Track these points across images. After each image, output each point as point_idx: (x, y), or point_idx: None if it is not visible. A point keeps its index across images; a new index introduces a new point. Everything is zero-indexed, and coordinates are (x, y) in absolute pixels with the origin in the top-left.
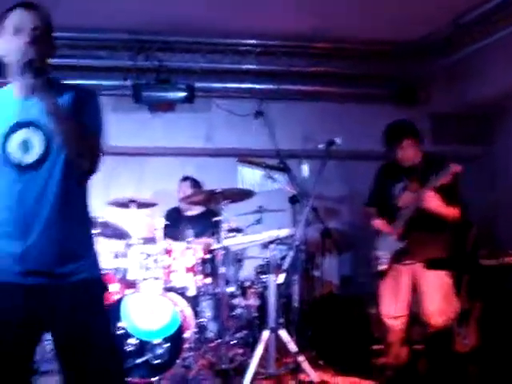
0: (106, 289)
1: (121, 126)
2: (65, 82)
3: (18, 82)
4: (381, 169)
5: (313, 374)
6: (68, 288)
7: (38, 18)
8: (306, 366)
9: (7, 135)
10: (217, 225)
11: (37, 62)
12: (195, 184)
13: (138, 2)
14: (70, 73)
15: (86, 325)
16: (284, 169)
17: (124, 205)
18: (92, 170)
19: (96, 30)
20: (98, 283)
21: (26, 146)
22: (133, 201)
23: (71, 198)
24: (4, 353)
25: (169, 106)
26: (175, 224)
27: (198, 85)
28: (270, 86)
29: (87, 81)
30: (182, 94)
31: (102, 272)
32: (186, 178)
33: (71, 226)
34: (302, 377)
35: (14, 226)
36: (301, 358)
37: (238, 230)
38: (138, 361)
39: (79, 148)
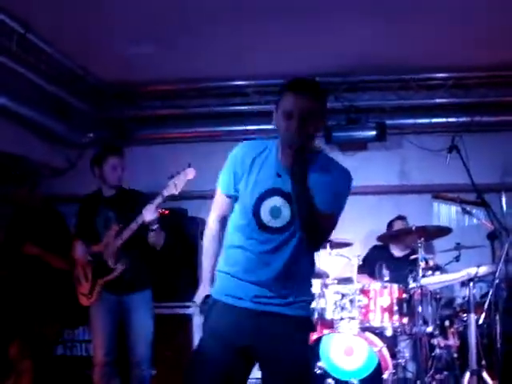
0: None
1: None
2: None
3: (283, 151)
4: None
5: None
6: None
7: (309, 102)
8: None
9: (263, 198)
10: (414, 263)
11: (303, 148)
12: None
13: (325, 44)
14: (261, 119)
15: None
16: (482, 203)
17: None
18: (317, 249)
19: (284, 76)
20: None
21: (276, 212)
22: (328, 241)
23: (302, 259)
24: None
25: (361, 145)
26: (376, 262)
27: (389, 122)
28: (464, 119)
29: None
30: (373, 133)
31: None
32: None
33: (298, 280)
34: None
35: (255, 278)
36: None
37: (436, 268)
38: None
39: (310, 226)
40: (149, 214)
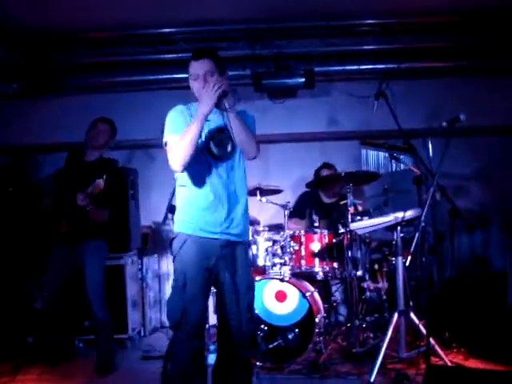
0: None
1: None
2: None
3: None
4: None
5: (445, 357)
6: (242, 244)
7: (205, 64)
8: (437, 349)
9: (209, 136)
10: (343, 209)
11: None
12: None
13: None
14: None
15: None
16: (408, 149)
17: (250, 193)
18: (256, 156)
19: (213, 22)
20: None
21: (221, 143)
22: (258, 188)
23: (242, 179)
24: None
25: (290, 92)
26: (306, 208)
27: (317, 69)
28: (391, 66)
29: None
30: (302, 80)
31: None
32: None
33: (243, 199)
34: (434, 360)
35: (213, 198)
36: (432, 341)
37: (364, 213)
38: (270, 346)
39: (249, 140)
40: (79, 200)
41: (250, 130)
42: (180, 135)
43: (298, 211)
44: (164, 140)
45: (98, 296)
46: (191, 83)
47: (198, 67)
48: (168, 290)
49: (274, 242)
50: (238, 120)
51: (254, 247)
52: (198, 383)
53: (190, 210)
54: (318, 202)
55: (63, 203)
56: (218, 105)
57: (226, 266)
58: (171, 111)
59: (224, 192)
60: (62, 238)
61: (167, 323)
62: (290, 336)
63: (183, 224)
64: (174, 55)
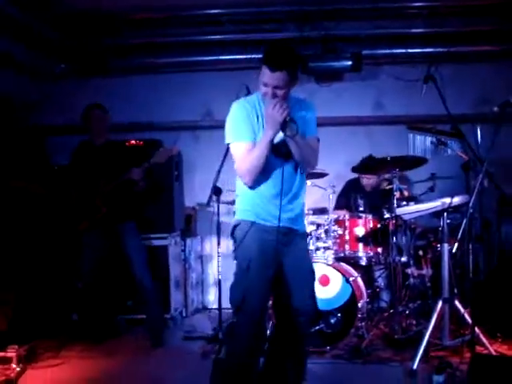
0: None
1: None
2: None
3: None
4: None
5: (490, 347)
6: (302, 234)
7: (279, 77)
8: (482, 338)
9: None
10: (389, 194)
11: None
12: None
13: None
14: (237, 48)
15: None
16: (457, 134)
17: None
18: (314, 168)
19: (260, 4)
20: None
21: (284, 143)
22: None
23: (303, 174)
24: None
25: (336, 75)
26: (351, 194)
27: (365, 52)
28: (440, 49)
29: (256, 55)
30: (349, 63)
31: None
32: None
33: (302, 191)
34: (478, 349)
35: (274, 189)
36: (477, 330)
37: (410, 199)
38: (312, 330)
39: (309, 159)
40: (136, 175)
41: (312, 141)
42: (246, 143)
43: (344, 199)
44: (228, 141)
45: (146, 271)
46: (260, 82)
47: (270, 78)
48: (210, 271)
49: (318, 225)
50: (300, 146)
51: None
52: (252, 363)
53: (252, 199)
54: (362, 189)
55: (92, 188)
56: (281, 128)
57: (287, 253)
58: (234, 108)
59: (285, 184)
60: (100, 220)
61: (209, 305)
62: (332, 320)
63: (245, 212)
64: (220, 36)
